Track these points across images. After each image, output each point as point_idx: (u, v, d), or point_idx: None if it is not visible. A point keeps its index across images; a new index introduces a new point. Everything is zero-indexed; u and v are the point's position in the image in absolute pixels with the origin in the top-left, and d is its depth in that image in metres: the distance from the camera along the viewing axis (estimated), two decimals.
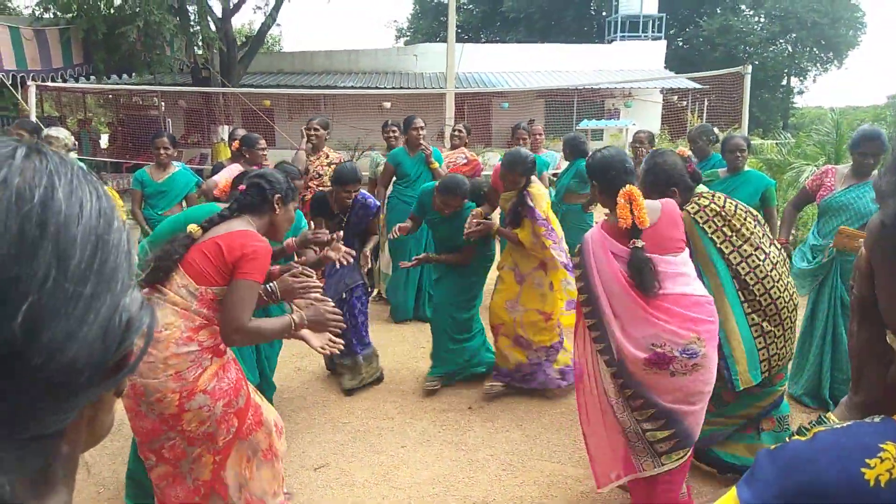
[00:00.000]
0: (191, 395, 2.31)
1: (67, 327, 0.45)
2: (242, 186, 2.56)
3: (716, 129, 6.23)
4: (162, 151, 5.30)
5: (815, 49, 29.53)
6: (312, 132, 5.53)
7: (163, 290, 2.34)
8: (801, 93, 34.33)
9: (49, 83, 12.30)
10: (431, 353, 4.55)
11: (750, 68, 7.85)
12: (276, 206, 2.57)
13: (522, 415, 4.13)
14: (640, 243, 2.63)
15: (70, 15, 13.12)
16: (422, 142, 5.66)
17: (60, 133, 5.38)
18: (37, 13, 13.58)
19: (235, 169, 5.30)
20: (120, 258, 0.51)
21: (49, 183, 0.47)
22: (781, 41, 28.94)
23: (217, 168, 5.82)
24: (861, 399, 0.81)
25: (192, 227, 2.42)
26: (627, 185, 2.72)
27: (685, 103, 19.86)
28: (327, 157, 5.58)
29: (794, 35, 27.87)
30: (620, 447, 2.79)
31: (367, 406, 4.23)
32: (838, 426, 0.63)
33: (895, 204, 0.66)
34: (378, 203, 4.51)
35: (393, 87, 18.43)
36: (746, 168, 5.01)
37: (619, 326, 2.64)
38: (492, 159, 7.81)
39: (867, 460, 0.55)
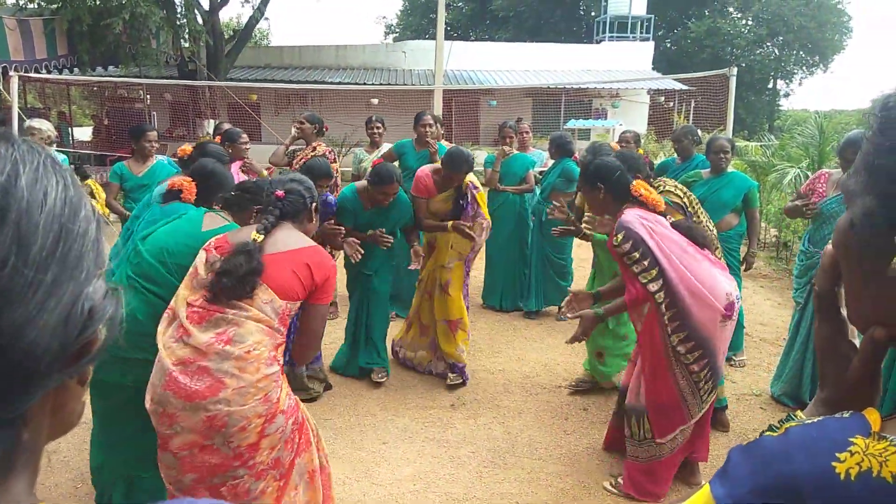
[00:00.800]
0: (272, 418, 2.16)
1: (26, 313, 0.45)
2: (280, 192, 2.41)
3: (699, 131, 6.27)
4: (152, 144, 5.26)
5: (801, 52, 29.82)
6: (298, 125, 5.53)
7: (244, 306, 2.18)
8: (786, 95, 34.67)
9: (32, 74, 12.15)
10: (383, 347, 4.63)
11: (735, 71, 7.89)
12: (312, 214, 2.53)
13: (504, 411, 4.14)
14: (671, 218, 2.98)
15: (55, 5, 12.98)
16: (429, 139, 5.61)
17: (43, 125, 5.33)
18: (21, 2, 13.44)
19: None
20: (86, 247, 0.51)
21: (13, 170, 0.47)
22: (768, 44, 29.20)
23: None
24: (826, 395, 0.82)
25: (256, 236, 2.26)
26: (636, 180, 3.02)
27: (672, 104, 19.95)
28: (314, 150, 5.55)
29: (781, 38, 28.12)
30: (678, 404, 3.00)
31: (349, 403, 4.23)
32: (809, 422, 0.63)
33: (863, 204, 0.66)
34: (335, 203, 4.39)
35: (381, 84, 18.39)
36: (730, 169, 5.05)
37: (687, 293, 2.82)
38: (479, 157, 7.83)
39: (837, 454, 0.56)
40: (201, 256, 2.32)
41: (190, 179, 2.96)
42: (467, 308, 4.72)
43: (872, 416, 0.60)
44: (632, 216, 2.94)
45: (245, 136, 5.43)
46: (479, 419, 4.04)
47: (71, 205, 0.50)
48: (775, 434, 0.63)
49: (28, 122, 5.33)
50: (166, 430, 2.16)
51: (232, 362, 2.12)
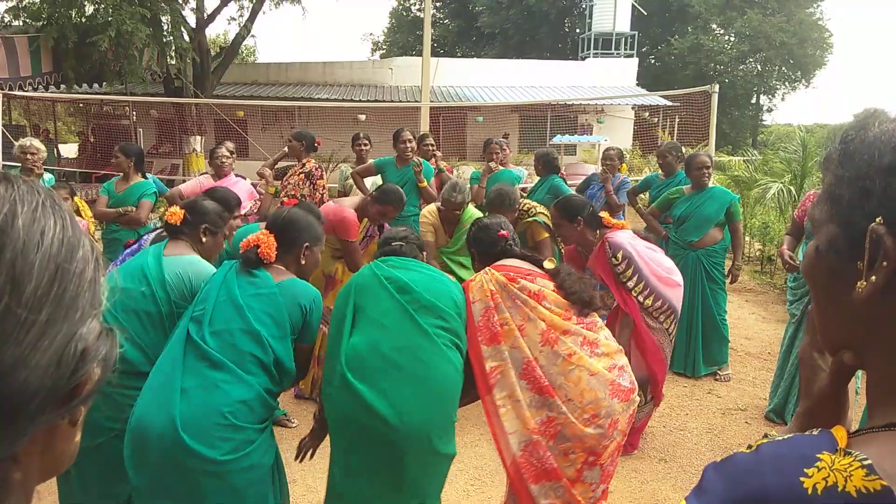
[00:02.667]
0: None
1: (18, 353, 0.46)
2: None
3: (684, 147, 6.36)
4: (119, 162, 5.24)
5: (783, 68, 30.23)
6: (288, 143, 5.58)
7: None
8: (769, 111, 35.13)
9: (17, 91, 12.10)
10: None
11: (717, 87, 8.01)
12: None
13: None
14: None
15: (40, 23, 12.94)
16: (409, 154, 5.62)
17: (36, 142, 5.31)
18: (6, 20, 13.39)
19: (204, 180, 5.28)
20: (82, 287, 0.51)
21: (10, 210, 0.48)
22: (751, 60, 29.59)
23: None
24: (802, 409, 0.85)
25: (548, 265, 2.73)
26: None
27: (656, 120, 20.17)
28: (303, 166, 5.56)
29: (764, 54, 28.50)
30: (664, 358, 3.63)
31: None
32: (780, 439, 0.65)
33: (827, 232, 0.69)
34: None
35: (368, 100, 18.46)
36: (712, 184, 5.12)
37: (661, 286, 3.50)
38: (466, 172, 7.88)
39: (805, 470, 0.58)
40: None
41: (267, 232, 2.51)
42: None
43: (840, 434, 0.62)
44: (623, 238, 3.48)
45: (223, 149, 5.39)
46: (466, 436, 4.03)
47: (68, 245, 0.51)
48: (748, 451, 0.65)
49: (27, 141, 5.28)
50: (606, 442, 2.44)
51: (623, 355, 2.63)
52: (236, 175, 5.46)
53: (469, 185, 6.22)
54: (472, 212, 4.63)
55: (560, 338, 2.48)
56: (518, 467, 2.47)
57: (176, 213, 2.69)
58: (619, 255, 3.40)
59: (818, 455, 0.59)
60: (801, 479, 0.58)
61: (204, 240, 2.72)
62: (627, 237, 3.49)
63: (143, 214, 5.15)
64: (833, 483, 0.56)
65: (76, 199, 6.78)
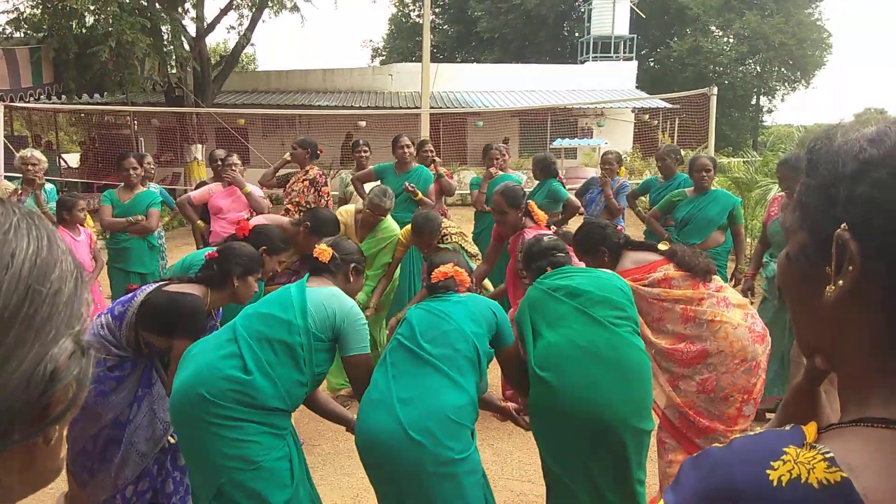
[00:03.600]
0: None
1: None
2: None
3: (683, 149, 6.37)
4: (131, 172, 5.23)
5: (782, 69, 30.25)
6: (292, 150, 5.62)
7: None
8: (770, 111, 35.13)
9: (18, 103, 12.17)
10: None
11: (716, 89, 8.03)
12: None
13: (493, 433, 4.14)
14: None
15: (41, 34, 13.03)
16: (408, 159, 5.63)
17: (37, 153, 5.35)
18: (7, 32, 13.47)
19: (215, 188, 5.31)
20: (56, 307, 0.51)
21: None
22: (750, 61, 29.61)
23: (200, 187, 5.84)
24: (781, 405, 0.90)
25: None
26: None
27: (656, 122, 20.19)
28: (307, 173, 5.59)
29: (763, 55, 28.52)
30: None
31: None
32: (752, 434, 0.69)
33: (798, 238, 0.72)
34: None
35: (368, 107, 18.51)
36: (714, 187, 5.11)
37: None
38: (467, 177, 7.91)
39: (772, 463, 0.61)
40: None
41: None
42: None
43: (809, 429, 0.65)
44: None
45: (219, 153, 5.49)
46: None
47: (41, 266, 0.51)
48: (721, 446, 0.68)
49: (28, 152, 5.32)
50: (754, 380, 2.90)
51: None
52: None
53: (469, 191, 6.26)
54: (391, 223, 4.62)
55: (697, 308, 2.92)
56: (678, 429, 2.97)
57: (325, 251, 2.69)
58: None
59: (784, 449, 0.62)
60: (768, 471, 0.60)
61: (352, 279, 2.77)
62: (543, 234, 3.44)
63: (154, 222, 5.29)
64: (797, 475, 0.59)
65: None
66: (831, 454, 0.59)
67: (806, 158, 0.72)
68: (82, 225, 5.09)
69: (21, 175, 5.27)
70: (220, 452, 2.24)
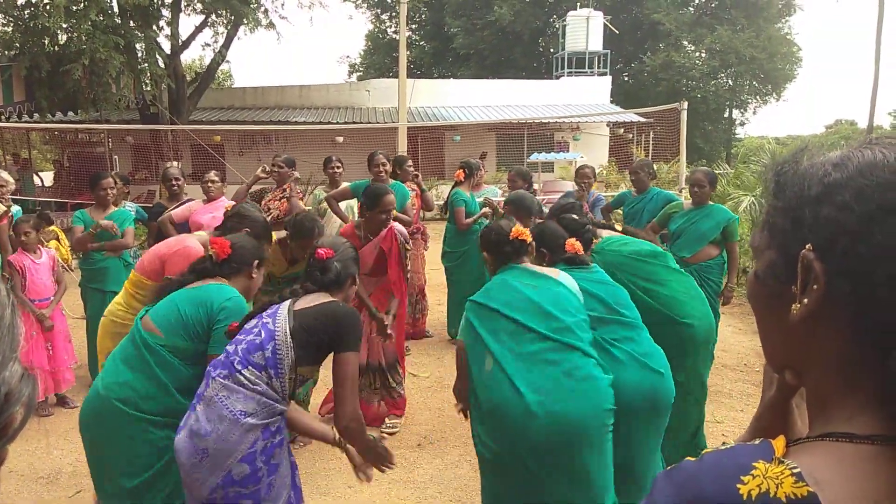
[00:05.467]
0: None
1: None
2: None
3: (656, 163, 6.45)
4: (108, 191, 5.18)
5: (754, 82, 30.76)
6: (276, 169, 5.61)
7: None
8: (742, 124, 35.66)
9: None
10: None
11: (686, 104, 8.15)
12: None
13: (472, 449, 4.11)
14: None
15: (12, 52, 12.89)
16: (383, 177, 5.63)
17: (5, 175, 5.28)
18: None
19: (194, 205, 5.29)
20: (0, 335, 0.53)
21: None
22: (722, 75, 30.09)
23: (157, 208, 5.77)
24: (754, 418, 0.93)
25: None
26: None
27: (631, 136, 20.43)
28: (284, 191, 5.57)
29: (734, 69, 28.99)
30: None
31: (314, 447, 4.17)
32: (723, 448, 0.70)
33: (766, 257, 0.73)
34: None
35: (345, 122, 18.52)
36: (710, 202, 5.05)
37: None
38: (444, 192, 7.95)
39: (742, 477, 0.62)
40: None
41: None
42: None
43: (778, 444, 0.66)
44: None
45: (209, 175, 5.45)
46: (446, 458, 4.02)
47: None
48: (694, 460, 0.69)
49: None
50: None
51: None
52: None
53: (454, 206, 6.21)
54: None
55: None
56: None
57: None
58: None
59: (754, 463, 0.63)
60: (738, 485, 0.62)
61: (350, 290, 2.64)
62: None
63: (130, 240, 5.26)
64: (766, 490, 0.60)
65: (54, 227, 6.73)
66: (798, 469, 0.61)
67: (773, 180, 0.74)
68: (43, 246, 5.02)
69: None
70: None
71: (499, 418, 2.51)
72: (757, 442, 0.68)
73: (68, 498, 3.58)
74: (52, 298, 4.86)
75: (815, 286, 0.65)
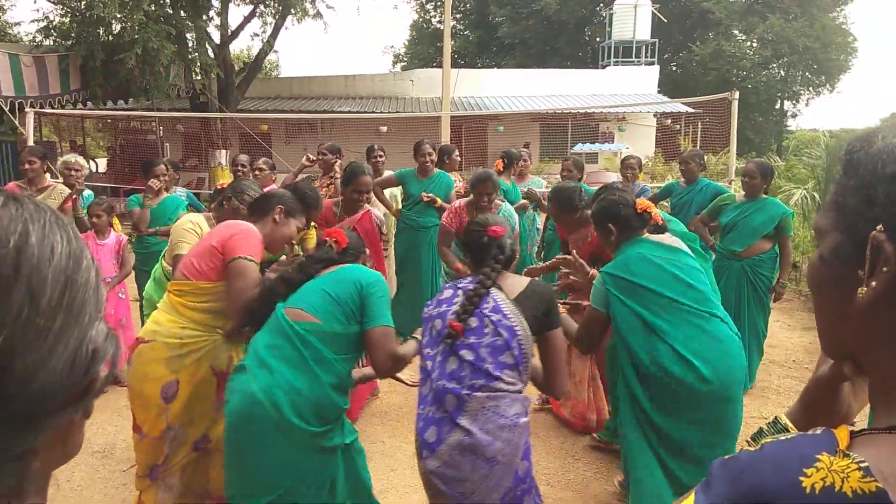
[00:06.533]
0: None
1: (38, 357, 0.50)
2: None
3: (705, 154, 6.33)
4: (159, 180, 5.32)
5: (807, 73, 29.89)
6: (320, 157, 5.70)
7: None
8: (794, 116, 34.69)
9: (46, 109, 12.42)
10: None
11: (737, 94, 7.94)
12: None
13: None
14: None
15: (69, 42, 13.28)
16: (429, 166, 5.68)
17: (80, 159, 5.46)
18: (37, 40, 13.75)
19: None
20: (88, 294, 0.56)
21: (24, 229, 0.53)
22: (774, 65, 29.29)
23: (217, 193, 5.92)
24: (803, 399, 0.92)
25: None
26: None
27: (678, 127, 20.06)
28: (330, 178, 5.66)
29: (787, 59, 28.21)
30: None
31: (358, 430, 4.24)
32: (783, 438, 0.68)
33: (831, 240, 0.72)
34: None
35: (389, 112, 18.60)
36: (763, 195, 4.89)
37: None
38: None
39: (805, 470, 0.61)
40: None
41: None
42: None
43: (841, 434, 0.65)
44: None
45: (258, 161, 5.58)
46: None
47: (74, 257, 0.56)
48: (753, 449, 0.68)
49: (71, 158, 5.40)
50: None
51: None
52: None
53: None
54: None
55: None
56: None
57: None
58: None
59: (817, 456, 0.62)
60: (801, 478, 0.60)
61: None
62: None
63: None
64: (830, 483, 0.59)
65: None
66: (866, 463, 0.59)
67: (845, 160, 0.72)
68: (112, 229, 5.19)
69: (61, 179, 5.35)
70: None
71: (672, 387, 2.67)
72: (819, 432, 0.66)
73: (122, 472, 3.70)
74: (110, 280, 5.01)
75: (884, 268, 0.64)
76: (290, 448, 2.27)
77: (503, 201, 4.62)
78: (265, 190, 5.24)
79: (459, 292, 2.35)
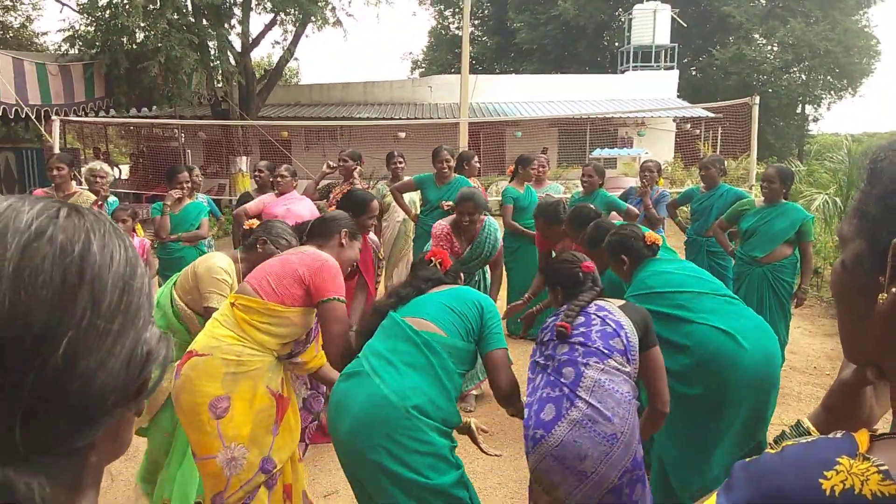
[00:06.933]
0: None
1: (99, 358, 0.55)
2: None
3: (725, 159, 6.30)
4: (184, 185, 5.45)
5: (828, 77, 29.51)
6: (341, 163, 5.76)
7: None
8: (815, 120, 34.30)
9: (71, 117, 12.63)
10: None
11: (758, 99, 7.91)
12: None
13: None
14: None
15: (94, 50, 13.52)
16: (447, 173, 5.71)
17: (105, 167, 5.61)
18: (62, 48, 14.00)
19: (268, 198, 5.49)
20: (142, 299, 0.60)
21: (86, 238, 0.57)
22: (795, 69, 28.99)
23: (243, 199, 6.03)
24: (826, 399, 0.93)
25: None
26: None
27: (698, 131, 19.93)
28: (351, 185, 5.72)
29: (808, 63, 27.92)
30: None
31: None
32: (804, 441, 0.69)
33: (854, 247, 0.72)
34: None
35: (408, 118, 18.69)
36: (784, 200, 4.86)
37: None
38: (503, 187, 7.95)
39: (825, 472, 0.62)
40: None
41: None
42: None
43: (862, 438, 0.65)
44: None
45: (280, 168, 5.65)
46: (505, 450, 4.03)
47: (131, 264, 0.60)
48: (774, 451, 0.69)
49: (97, 165, 5.55)
50: None
51: None
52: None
53: (503, 205, 6.24)
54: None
55: None
56: None
57: None
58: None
59: (838, 459, 0.63)
60: (821, 480, 0.61)
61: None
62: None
63: (205, 230, 5.61)
64: (850, 486, 0.60)
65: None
66: (886, 467, 0.60)
67: (868, 168, 0.73)
68: (135, 234, 5.30)
69: (87, 186, 5.49)
70: None
71: (715, 361, 2.80)
72: (839, 435, 0.67)
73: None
74: None
75: None
76: (424, 453, 2.21)
77: (486, 215, 4.54)
78: (285, 196, 5.35)
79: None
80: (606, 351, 2.29)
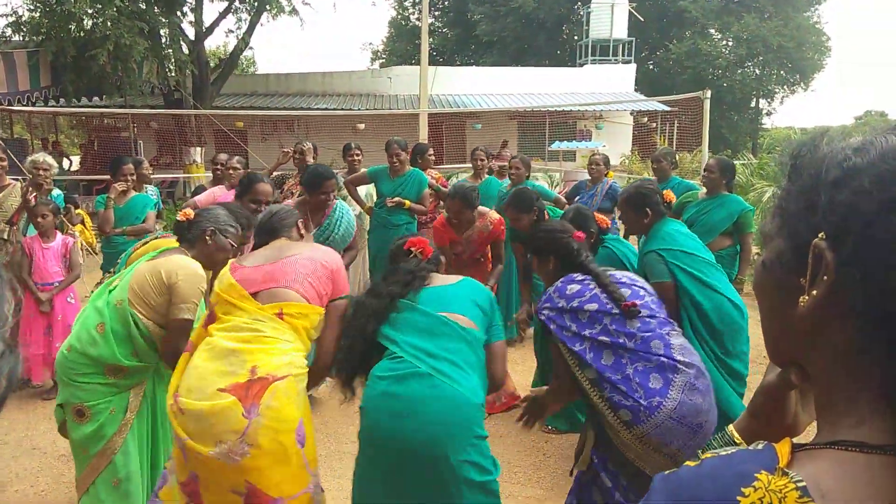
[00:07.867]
0: None
1: None
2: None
3: (680, 152, 6.38)
4: (128, 178, 5.27)
5: (781, 72, 30.18)
6: (296, 156, 5.69)
7: None
8: (769, 114, 35.05)
9: (15, 106, 12.20)
10: None
11: (709, 93, 8.03)
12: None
13: (541, 438, 4.13)
14: None
15: (39, 37, 13.07)
16: (398, 166, 5.65)
17: (49, 158, 5.37)
18: (6, 35, 13.51)
19: (219, 191, 5.35)
20: None
21: None
22: (749, 64, 29.56)
23: (198, 192, 5.88)
24: (750, 405, 0.91)
25: None
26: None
27: (654, 125, 20.20)
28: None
29: (762, 58, 28.49)
30: None
31: (329, 431, 4.22)
32: (724, 453, 0.67)
33: (775, 246, 0.70)
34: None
35: (367, 109, 18.52)
36: (727, 192, 4.90)
37: None
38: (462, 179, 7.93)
39: (742, 489, 0.60)
40: None
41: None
42: None
43: (783, 449, 0.64)
44: None
45: (232, 160, 5.48)
46: (513, 440, 4.03)
47: None
48: (693, 464, 0.67)
49: (39, 157, 5.30)
50: None
51: None
52: None
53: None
54: None
55: None
56: None
57: None
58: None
59: (756, 474, 0.61)
60: (738, 498, 0.59)
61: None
62: None
63: (151, 224, 5.40)
64: (768, 503, 0.58)
65: (80, 210, 6.82)
66: (804, 483, 0.58)
67: (789, 164, 0.71)
68: (65, 232, 5.07)
69: (30, 177, 5.25)
70: None
71: (734, 326, 3.27)
72: (760, 447, 0.65)
73: None
74: (55, 284, 4.87)
75: (825, 277, 0.62)
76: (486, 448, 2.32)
77: (337, 198, 4.41)
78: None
79: (590, 283, 2.52)
80: (665, 317, 2.48)
